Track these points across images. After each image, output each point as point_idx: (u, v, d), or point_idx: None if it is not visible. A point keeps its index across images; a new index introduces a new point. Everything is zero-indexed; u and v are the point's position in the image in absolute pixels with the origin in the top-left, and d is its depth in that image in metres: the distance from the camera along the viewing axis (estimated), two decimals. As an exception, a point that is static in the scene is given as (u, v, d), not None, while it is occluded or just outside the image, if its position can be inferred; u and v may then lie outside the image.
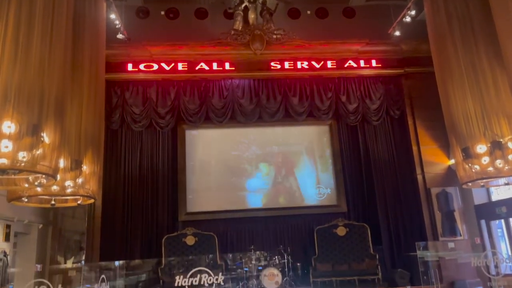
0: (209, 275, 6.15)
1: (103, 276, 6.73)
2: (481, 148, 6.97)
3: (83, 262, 9.35)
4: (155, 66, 11.18)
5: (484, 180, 7.56)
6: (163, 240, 10.41)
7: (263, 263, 9.87)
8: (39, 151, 4.78)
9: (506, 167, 6.82)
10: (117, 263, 8.72)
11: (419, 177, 10.91)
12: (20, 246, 9.04)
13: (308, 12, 12.35)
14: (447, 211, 10.51)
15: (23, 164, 4.63)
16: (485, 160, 6.93)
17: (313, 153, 12.18)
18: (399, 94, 11.68)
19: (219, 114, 11.29)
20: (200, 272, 6.20)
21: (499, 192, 10.38)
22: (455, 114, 7.59)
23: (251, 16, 11.54)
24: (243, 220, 11.23)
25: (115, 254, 9.90)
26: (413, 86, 11.42)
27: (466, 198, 10.77)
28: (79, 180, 6.74)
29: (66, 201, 7.47)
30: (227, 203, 11.44)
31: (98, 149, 7.53)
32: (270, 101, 11.41)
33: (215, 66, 11.28)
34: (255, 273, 9.66)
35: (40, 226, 9.23)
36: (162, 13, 11.97)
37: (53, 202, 7.04)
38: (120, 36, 10.43)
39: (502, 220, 10.35)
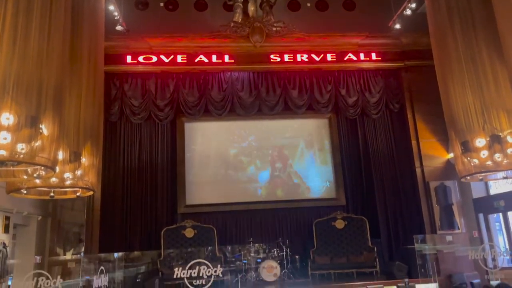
0: (208, 267, 6.19)
1: (102, 267, 6.76)
2: (480, 142, 6.97)
3: (82, 254, 9.38)
4: (154, 58, 11.14)
5: (483, 174, 7.57)
6: (162, 232, 10.45)
7: (261, 255, 9.92)
8: (37, 143, 4.77)
9: (505, 161, 6.83)
10: (116, 255, 8.75)
11: (418, 171, 10.93)
12: (19, 237, 9.05)
13: (308, 4, 12.29)
14: (445, 205, 10.54)
15: (21, 156, 4.62)
16: (484, 154, 6.94)
17: (312, 146, 12.18)
18: (398, 87, 11.67)
19: (218, 107, 11.27)
20: (199, 264, 6.24)
21: (498, 186, 10.42)
22: (454, 108, 7.58)
23: (251, 8, 11.48)
24: (242, 212, 11.27)
25: (114, 246, 9.94)
26: (413, 79, 11.40)
27: (465, 191, 10.80)
28: (78, 172, 6.73)
29: (65, 193, 7.47)
30: (226, 196, 11.47)
31: (97, 141, 7.51)
32: (270, 94, 11.39)
33: (214, 58, 11.24)
34: (253, 266, 9.72)
35: (39, 218, 9.24)
36: (161, 4, 11.90)
37: (52, 194, 7.03)
38: (119, 27, 10.36)
39: (500, 214, 10.39)
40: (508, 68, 6.23)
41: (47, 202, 9.31)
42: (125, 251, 9.69)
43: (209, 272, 6.16)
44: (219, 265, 6.37)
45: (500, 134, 6.81)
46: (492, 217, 10.64)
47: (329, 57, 11.47)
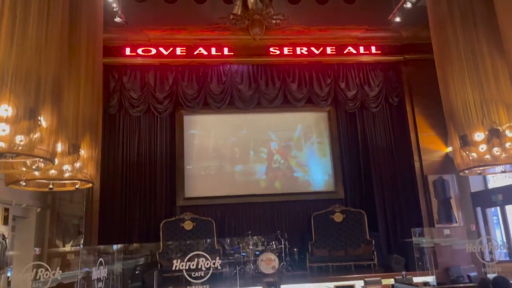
0: (207, 259, 6.22)
1: (101, 259, 6.78)
2: (478, 135, 6.98)
3: (81, 245, 9.41)
4: (153, 51, 11.11)
5: (481, 168, 7.59)
6: (161, 224, 10.48)
7: (260, 248, 9.96)
8: (36, 135, 4.76)
9: (503, 155, 6.84)
10: (115, 247, 8.78)
11: (417, 164, 10.96)
12: (19, 229, 9.07)
13: (308, -3, 12.21)
14: (443, 198, 10.58)
15: (20, 147, 4.61)
16: (483, 148, 6.95)
17: (311, 139, 12.18)
18: (398, 81, 11.67)
19: (217, 100, 11.25)
20: (198, 256, 6.27)
21: (496, 179, 10.44)
22: (453, 102, 7.58)
23: (251, 0, 11.41)
24: (241, 205, 11.30)
25: (113, 238, 9.98)
26: (412, 73, 11.39)
27: (463, 185, 10.84)
28: (77, 165, 6.72)
29: (64, 185, 7.47)
30: (225, 189, 11.48)
31: (96, 134, 7.51)
32: (269, 87, 11.37)
33: (213, 51, 11.21)
34: (252, 258, 9.76)
35: (38, 210, 9.25)
36: (161, -4, 11.81)
37: (51, 186, 7.03)
38: (117, 19, 10.31)
39: (498, 208, 10.44)
40: (508, 63, 6.22)
41: (46, 194, 9.32)
42: (124, 243, 9.72)
43: (207, 264, 6.20)
44: (217, 258, 6.42)
45: (499, 128, 6.82)
46: (490, 210, 10.69)
47: (328, 50, 11.44)
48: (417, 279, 8.53)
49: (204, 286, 6.25)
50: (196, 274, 6.16)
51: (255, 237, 10.16)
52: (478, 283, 4.88)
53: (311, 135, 12.22)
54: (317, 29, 11.38)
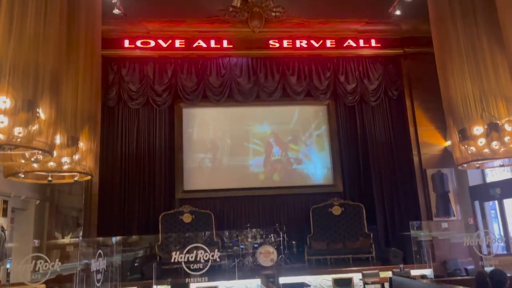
0: (205, 251, 6.25)
1: (100, 251, 6.80)
2: (477, 129, 6.97)
3: (80, 238, 9.44)
4: (152, 43, 11.06)
5: (480, 162, 7.59)
6: (160, 217, 10.51)
7: (259, 240, 10.01)
8: (35, 127, 4.76)
9: (502, 149, 6.85)
10: (114, 239, 8.79)
11: (415, 158, 10.97)
12: (18, 221, 9.08)
13: (308, -11, 12.13)
14: (442, 192, 10.61)
15: (19, 139, 4.61)
16: (481, 141, 6.95)
17: (310, 133, 12.18)
18: (397, 74, 11.64)
19: (216, 93, 11.22)
20: (197, 248, 6.29)
21: (494, 173, 10.47)
22: (453, 96, 7.56)
23: (250, -7, 11.34)
24: (240, 198, 11.33)
25: (112, 230, 10.00)
26: (412, 66, 11.36)
27: (461, 179, 10.87)
28: (76, 157, 6.72)
29: (63, 177, 7.47)
30: (224, 181, 11.50)
31: (94, 126, 7.50)
32: (268, 80, 11.34)
33: (212, 43, 11.17)
34: (250, 251, 9.81)
35: (37, 202, 9.26)
36: (160, -12, 11.73)
37: (50, 178, 7.04)
38: (116, 11, 10.23)
39: (496, 202, 10.48)
40: (508, 57, 6.20)
41: (45, 187, 9.33)
42: (123, 236, 9.75)
43: (206, 256, 6.23)
44: (216, 250, 6.44)
45: (498, 122, 6.81)
46: (488, 204, 10.73)
47: (328, 43, 11.41)
48: (414, 272, 8.58)
49: (203, 278, 6.29)
50: (195, 266, 6.20)
51: (253, 230, 10.20)
52: (476, 276, 4.89)
53: (310, 129, 12.21)
54: (317, 22, 11.32)
